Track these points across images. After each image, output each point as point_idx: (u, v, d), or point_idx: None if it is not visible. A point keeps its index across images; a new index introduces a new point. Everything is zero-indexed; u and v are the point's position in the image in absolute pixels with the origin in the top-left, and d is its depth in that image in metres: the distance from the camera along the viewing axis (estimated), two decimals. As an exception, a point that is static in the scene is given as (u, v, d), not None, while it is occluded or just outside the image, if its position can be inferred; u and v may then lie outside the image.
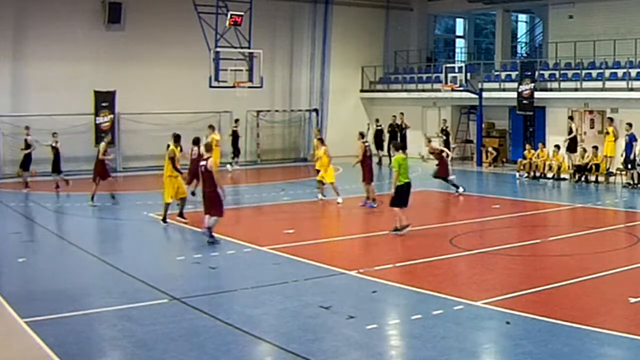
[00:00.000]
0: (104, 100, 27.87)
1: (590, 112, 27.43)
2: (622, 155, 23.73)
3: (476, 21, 40.79)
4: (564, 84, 27.36)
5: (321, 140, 22.09)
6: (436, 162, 22.51)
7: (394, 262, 13.18)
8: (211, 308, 10.22)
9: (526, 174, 26.01)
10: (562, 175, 25.02)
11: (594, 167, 24.21)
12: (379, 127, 32.22)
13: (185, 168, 17.94)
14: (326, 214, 19.91)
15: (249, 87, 26.86)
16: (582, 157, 24.58)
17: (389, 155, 28.69)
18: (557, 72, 27.89)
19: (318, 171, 20.99)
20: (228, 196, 15.17)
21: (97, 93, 27.65)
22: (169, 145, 20.02)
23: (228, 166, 28.39)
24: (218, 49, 26.11)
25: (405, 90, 33.55)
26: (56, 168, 23.03)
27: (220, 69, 26.27)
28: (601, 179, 24.12)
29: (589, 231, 16.20)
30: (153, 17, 29.05)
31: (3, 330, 9.56)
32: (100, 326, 9.70)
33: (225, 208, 15.02)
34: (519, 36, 40.09)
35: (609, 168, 24.32)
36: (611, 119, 25.17)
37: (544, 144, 26.48)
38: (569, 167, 25.36)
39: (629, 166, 23.32)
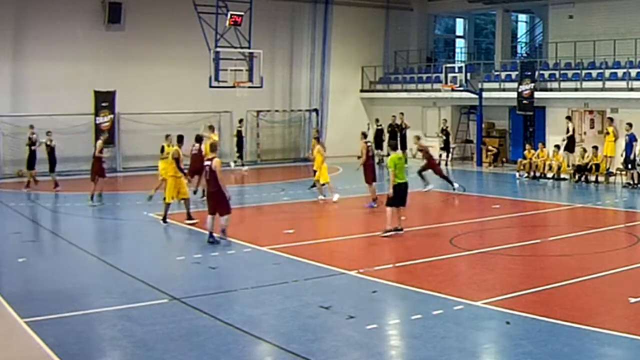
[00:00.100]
0: (104, 100, 27.88)
1: (590, 112, 27.44)
2: (622, 155, 23.73)
3: (476, 21, 40.80)
4: (564, 84, 27.36)
5: (317, 139, 22.11)
6: (424, 160, 22.29)
7: (394, 262, 13.19)
8: (211, 308, 10.22)
9: (526, 174, 26.01)
10: (562, 175, 25.02)
11: (594, 167, 24.21)
12: (379, 127, 32.22)
13: (185, 167, 17.89)
14: (326, 214, 19.91)
15: (249, 87, 26.87)
16: (582, 157, 24.58)
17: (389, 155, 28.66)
18: (557, 72, 27.89)
19: (315, 172, 21.05)
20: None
21: (97, 93, 27.66)
22: (163, 147, 20.12)
23: (242, 167, 28.37)
24: (218, 49, 26.12)
25: (405, 90, 33.56)
26: (52, 167, 23.05)
27: (220, 69, 26.27)
28: (601, 179, 24.12)
29: (589, 231, 16.20)
30: (153, 17, 29.06)
31: (3, 330, 9.56)
32: (100, 326, 9.70)
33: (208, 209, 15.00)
34: (519, 36, 40.09)
35: (609, 168, 24.32)
36: (611, 119, 25.18)
37: (544, 144, 26.49)
38: (568, 166, 25.36)
39: (629, 166, 23.32)
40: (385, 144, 31.65)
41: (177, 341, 8.92)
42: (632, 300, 10.28)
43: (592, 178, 24.25)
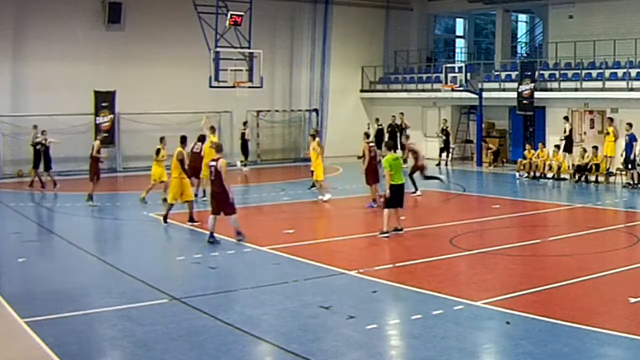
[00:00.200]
0: (104, 100, 27.87)
1: (590, 112, 27.44)
2: (622, 155, 23.73)
3: (476, 21, 40.80)
4: (564, 84, 27.36)
5: (313, 136, 22.11)
6: (413, 160, 22.20)
7: (394, 262, 13.18)
8: (211, 308, 10.22)
9: (526, 174, 26.00)
10: (562, 175, 25.02)
11: (594, 167, 24.21)
12: (380, 127, 32.22)
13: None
14: (326, 214, 19.91)
15: (249, 87, 26.86)
16: (582, 157, 24.58)
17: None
18: (557, 72, 27.89)
19: (313, 172, 21.12)
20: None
21: (97, 93, 27.65)
22: (158, 150, 20.12)
23: (243, 167, 28.37)
24: (218, 49, 26.11)
25: (405, 90, 33.55)
26: (47, 165, 23.06)
27: (220, 69, 26.26)
28: (601, 179, 24.12)
29: (589, 231, 16.20)
30: (153, 17, 29.06)
31: (3, 330, 9.56)
32: (100, 326, 9.70)
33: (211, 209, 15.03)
34: (519, 36, 40.09)
35: (609, 168, 24.31)
36: (611, 119, 25.18)
37: (544, 144, 26.49)
38: (568, 167, 25.36)
39: (629, 166, 23.32)
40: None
41: (177, 341, 8.92)
42: (632, 300, 10.28)
43: (592, 178, 24.24)
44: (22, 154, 25.32)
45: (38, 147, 23.33)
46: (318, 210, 20.01)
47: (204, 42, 26.04)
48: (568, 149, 25.90)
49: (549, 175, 25.36)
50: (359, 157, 31.78)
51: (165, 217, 16.96)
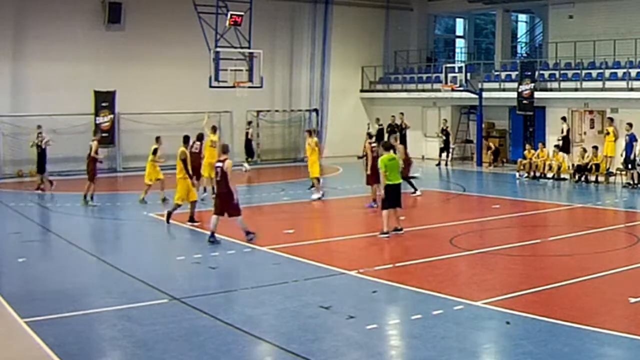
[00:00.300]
0: (104, 100, 27.87)
1: (590, 112, 27.44)
2: (622, 155, 23.73)
3: (476, 21, 40.80)
4: (564, 84, 27.36)
5: (309, 133, 22.11)
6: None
7: (394, 262, 13.18)
8: (211, 308, 10.22)
9: (526, 174, 26.00)
10: (562, 175, 25.02)
11: (594, 167, 24.21)
12: (381, 127, 32.23)
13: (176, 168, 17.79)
14: (326, 214, 19.91)
15: (249, 87, 26.84)
16: (582, 157, 24.58)
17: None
18: (557, 72, 27.89)
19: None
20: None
21: (97, 93, 27.65)
22: (155, 150, 20.13)
23: (245, 165, 28.40)
24: (218, 49, 26.10)
25: (405, 90, 33.55)
26: (41, 168, 22.99)
27: (220, 69, 26.25)
28: (601, 179, 24.12)
29: (589, 231, 16.20)
30: (153, 17, 29.06)
31: (3, 330, 9.56)
32: (100, 326, 9.70)
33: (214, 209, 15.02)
34: (519, 36, 40.09)
35: (609, 168, 24.32)
36: (611, 119, 25.19)
37: (544, 144, 26.50)
38: (568, 167, 25.37)
39: (629, 166, 23.32)
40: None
41: (177, 341, 8.92)
42: (632, 300, 10.28)
43: (592, 178, 24.24)
44: (22, 154, 25.31)
45: (33, 147, 23.23)
46: (318, 210, 20.02)
47: (204, 42, 26.03)
48: (566, 149, 25.96)
49: (549, 175, 25.36)
50: (359, 157, 31.88)
51: (168, 217, 16.92)
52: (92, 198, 19.95)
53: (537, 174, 25.71)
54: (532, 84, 27.69)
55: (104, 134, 27.30)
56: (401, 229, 15.41)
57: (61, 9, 27.35)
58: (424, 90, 32.59)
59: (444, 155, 30.74)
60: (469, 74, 29.92)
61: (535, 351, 8.37)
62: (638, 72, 25.08)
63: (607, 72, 25.98)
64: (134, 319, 9.82)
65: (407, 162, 21.27)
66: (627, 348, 8.51)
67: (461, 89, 29.52)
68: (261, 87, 27.66)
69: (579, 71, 26.94)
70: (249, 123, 30.55)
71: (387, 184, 15.24)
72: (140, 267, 12.92)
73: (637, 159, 23.03)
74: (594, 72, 26.64)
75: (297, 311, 10.23)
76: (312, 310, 10.18)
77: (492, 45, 37.15)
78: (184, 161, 16.90)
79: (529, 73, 27.97)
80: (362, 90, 35.39)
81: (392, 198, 15.26)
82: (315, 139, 22.08)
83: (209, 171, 20.87)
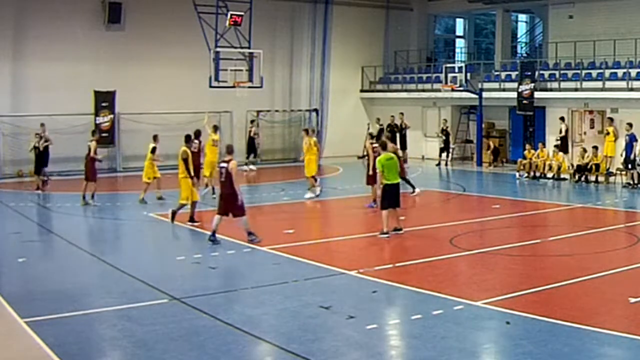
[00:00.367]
0: (104, 100, 27.86)
1: (590, 112, 27.44)
2: (622, 155, 23.73)
3: (476, 21, 40.79)
4: (564, 84, 27.36)
5: (306, 132, 22.19)
6: None
7: (394, 262, 13.18)
8: (211, 308, 10.22)
9: (526, 174, 26.00)
10: (562, 175, 25.02)
11: (594, 167, 24.21)
12: (381, 127, 32.22)
13: (176, 167, 17.78)
14: (326, 214, 19.91)
15: (249, 87, 26.84)
16: (582, 157, 24.58)
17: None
18: (557, 72, 27.89)
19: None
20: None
21: (97, 93, 27.64)
22: (154, 149, 20.13)
23: (251, 166, 28.42)
24: (218, 49, 26.10)
25: (405, 90, 33.55)
26: (38, 168, 22.97)
27: (220, 69, 26.25)
28: (601, 179, 24.12)
29: (589, 231, 16.20)
30: (153, 17, 29.06)
31: (3, 330, 9.56)
32: (100, 326, 9.70)
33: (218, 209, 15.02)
34: (519, 36, 40.09)
35: (609, 168, 24.32)
36: (611, 119, 25.19)
37: (544, 144, 26.50)
38: (568, 167, 25.38)
39: (629, 166, 23.33)
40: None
41: (177, 341, 8.92)
42: (632, 300, 10.28)
43: (592, 178, 24.24)
44: (22, 154, 25.28)
45: (47, 142, 23.21)
46: (318, 210, 20.02)
47: (204, 42, 26.03)
48: (564, 149, 25.98)
49: (549, 175, 25.35)
50: (359, 157, 31.91)
51: (173, 216, 16.84)
52: (92, 197, 19.95)
53: (537, 174, 25.71)
54: (532, 84, 27.69)
55: (104, 134, 27.31)
56: (401, 229, 15.42)
57: (61, 9, 27.34)
58: (424, 90, 32.59)
59: (444, 155, 30.74)
60: (469, 74, 29.92)
61: (535, 351, 8.37)
62: (638, 72, 25.08)
63: (607, 72, 25.98)
64: (134, 319, 9.82)
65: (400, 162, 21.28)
66: (627, 348, 8.51)
67: (461, 89, 29.52)
68: (261, 87, 27.66)
69: (579, 71, 26.94)
70: (252, 122, 30.60)
71: (385, 183, 15.24)
72: (140, 267, 12.92)
73: (637, 159, 23.03)
74: (594, 72, 26.64)
75: (297, 311, 10.23)
76: (312, 310, 10.18)
77: (492, 45, 37.15)
78: (186, 160, 16.84)
79: (529, 73, 27.97)
80: (362, 90, 35.38)
81: (390, 198, 15.25)
82: (314, 138, 22.10)
83: (210, 170, 20.97)
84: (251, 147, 30.20)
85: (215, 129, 22.58)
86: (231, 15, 25.92)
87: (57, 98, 26.57)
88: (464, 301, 10.35)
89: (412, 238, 15.30)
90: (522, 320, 9.55)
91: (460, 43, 41.17)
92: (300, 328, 9.50)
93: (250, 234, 14.71)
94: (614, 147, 24.39)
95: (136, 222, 18.04)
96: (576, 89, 26.74)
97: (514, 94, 28.31)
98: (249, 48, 26.86)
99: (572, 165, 25.19)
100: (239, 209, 14.63)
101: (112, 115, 28.11)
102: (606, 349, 8.54)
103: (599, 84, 26.06)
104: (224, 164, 14.59)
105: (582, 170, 24.43)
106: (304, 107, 33.85)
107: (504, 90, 29.72)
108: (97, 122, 27.68)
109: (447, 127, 30.97)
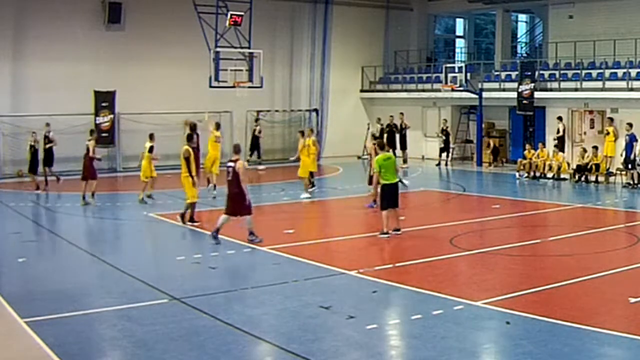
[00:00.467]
0: (104, 100, 27.86)
1: (590, 112, 27.44)
2: (622, 155, 23.73)
3: (476, 21, 40.80)
4: (564, 84, 27.36)
5: (301, 133, 22.26)
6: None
7: (394, 262, 13.18)
8: (211, 308, 10.22)
9: (526, 174, 26.00)
10: (562, 175, 25.03)
11: (594, 167, 24.21)
12: (382, 127, 32.23)
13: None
14: (326, 214, 19.91)
15: (249, 87, 26.84)
16: (582, 157, 24.58)
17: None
18: (557, 72, 27.89)
19: (312, 172, 21.32)
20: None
21: (97, 93, 27.64)
22: (152, 148, 20.12)
23: (259, 166, 28.43)
24: (218, 49, 26.10)
25: (405, 90, 33.55)
26: (33, 168, 22.95)
27: (220, 69, 26.25)
28: (601, 179, 24.12)
29: (589, 231, 16.20)
30: (153, 17, 29.06)
31: (3, 330, 9.56)
32: (100, 326, 9.70)
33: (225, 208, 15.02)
34: (519, 36, 40.09)
35: (609, 168, 24.32)
36: (611, 119, 25.19)
37: (544, 144, 26.49)
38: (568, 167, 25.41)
39: (629, 166, 23.32)
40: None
41: (177, 341, 8.92)
42: (632, 300, 10.28)
43: (592, 178, 24.24)
44: (22, 154, 25.22)
45: (49, 145, 23.19)
46: (318, 210, 20.02)
47: (204, 42, 26.03)
48: (561, 148, 26.00)
49: (549, 175, 25.35)
50: (359, 157, 31.92)
51: (182, 218, 16.61)
52: (92, 195, 19.96)
53: (537, 174, 25.71)
54: (532, 84, 27.69)
55: (104, 134, 27.32)
56: (399, 230, 15.38)
57: (61, 9, 27.34)
58: (424, 90, 32.59)
59: (444, 155, 30.73)
60: (469, 74, 29.92)
61: (535, 351, 8.37)
62: (638, 72, 25.08)
63: (607, 72, 25.98)
64: (134, 319, 9.82)
65: None
66: (627, 348, 8.51)
67: (461, 89, 29.52)
68: (261, 87, 27.66)
69: (579, 71, 26.94)
70: (257, 120, 30.61)
71: (384, 183, 15.24)
72: (140, 267, 12.92)
73: (637, 159, 23.02)
74: (594, 72, 26.64)
75: (297, 311, 10.23)
76: (312, 310, 10.18)
77: (492, 45, 37.15)
78: (188, 160, 16.75)
79: (529, 73, 27.97)
80: (362, 90, 35.38)
81: (389, 198, 15.25)
82: (313, 137, 22.12)
83: (209, 165, 21.12)
84: (255, 146, 30.20)
85: (218, 126, 22.67)
86: (231, 15, 25.92)
87: (57, 98, 26.57)
88: (464, 301, 10.35)
89: (412, 238, 15.30)
90: (522, 320, 9.55)
91: (460, 43, 41.18)
92: (300, 328, 9.50)
93: (251, 233, 14.71)
94: (614, 147, 24.38)
95: (136, 222, 18.04)
96: (576, 89, 26.74)
97: (514, 94, 28.31)
98: (249, 48, 26.86)
99: (569, 165, 25.19)
100: (246, 208, 14.63)
101: (112, 115, 28.10)
102: (606, 349, 8.54)
103: (599, 84, 26.06)
104: (231, 164, 14.57)
105: (582, 170, 24.42)
106: (304, 107, 33.85)
107: (504, 90, 29.72)
108: (97, 122, 27.67)
109: (447, 127, 30.96)
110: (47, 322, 9.60)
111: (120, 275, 12.31)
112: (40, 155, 23.21)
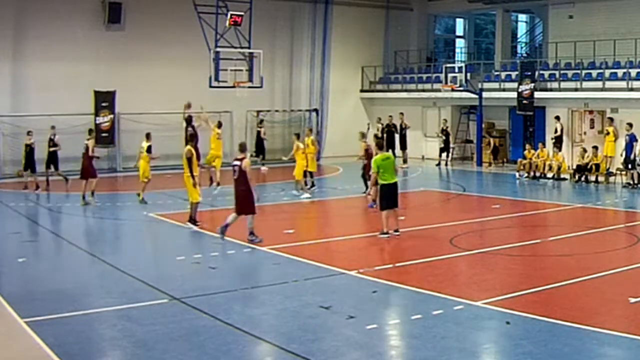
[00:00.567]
0: (104, 100, 27.86)
1: (590, 112, 27.44)
2: (622, 155, 23.73)
3: (476, 21, 40.80)
4: (564, 84, 27.36)
5: (297, 136, 22.34)
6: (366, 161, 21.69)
7: (394, 262, 13.18)
8: (211, 308, 10.22)
9: (526, 174, 26.00)
10: (562, 175, 25.03)
11: (594, 167, 24.21)
12: (382, 127, 32.22)
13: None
14: (326, 214, 19.91)
15: (249, 87, 26.84)
16: (582, 157, 24.59)
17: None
18: (557, 72, 27.89)
19: (312, 173, 21.36)
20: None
21: (97, 93, 27.64)
22: (150, 147, 20.13)
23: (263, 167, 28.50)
24: (218, 49, 26.10)
25: (405, 90, 33.55)
26: (31, 167, 22.90)
27: (220, 69, 26.24)
28: (601, 179, 24.12)
29: (589, 231, 16.19)
30: (153, 17, 29.06)
31: (3, 330, 9.56)
32: (100, 326, 9.70)
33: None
34: (519, 36, 40.09)
35: (609, 168, 24.32)
36: (611, 119, 25.19)
37: (544, 144, 26.49)
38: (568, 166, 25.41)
39: (629, 166, 23.32)
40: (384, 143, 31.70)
41: (177, 341, 8.92)
42: (632, 300, 10.28)
43: (592, 178, 24.24)
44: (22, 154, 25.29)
45: (53, 148, 23.13)
46: (318, 210, 20.02)
47: (204, 42, 26.03)
48: (559, 148, 26.01)
49: (549, 175, 25.36)
50: (359, 158, 31.87)
51: (193, 219, 16.48)
52: (92, 194, 19.96)
53: (537, 174, 25.71)
54: (532, 84, 27.69)
55: (104, 134, 27.32)
56: (397, 230, 15.33)
57: (61, 9, 27.34)
58: (424, 90, 32.59)
59: (444, 155, 30.73)
60: (469, 74, 29.92)
61: (535, 351, 8.37)
62: (638, 72, 25.09)
63: (607, 72, 25.98)
64: (134, 319, 9.82)
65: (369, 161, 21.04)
66: (627, 348, 8.51)
67: (461, 89, 29.53)
68: (261, 87, 27.66)
69: (579, 71, 26.94)
70: (261, 122, 30.62)
71: (383, 183, 15.23)
72: (140, 267, 12.92)
73: (637, 159, 23.02)
74: (594, 72, 26.64)
75: (297, 311, 10.23)
76: (312, 310, 10.18)
77: (492, 45, 37.15)
78: (190, 160, 16.67)
79: (529, 73, 27.97)
80: (362, 90, 35.39)
81: (388, 198, 15.24)
82: (312, 137, 22.14)
83: (209, 160, 21.25)
84: (260, 149, 30.17)
85: (220, 125, 22.81)
86: (231, 15, 25.92)
87: (57, 98, 26.56)
88: (464, 301, 10.35)
89: (412, 238, 15.29)
90: (522, 320, 9.55)
91: (460, 43, 41.18)
92: (300, 328, 9.50)
93: (251, 233, 14.70)
94: (614, 147, 24.38)
95: (136, 222, 18.04)
96: (576, 89, 26.75)
97: (514, 94, 28.31)
98: (249, 48, 26.85)
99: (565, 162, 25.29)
100: (251, 207, 14.62)
101: (112, 115, 28.10)
102: (606, 349, 8.54)
103: (599, 84, 26.06)
104: (237, 162, 14.55)
105: (582, 170, 24.43)
106: (304, 107, 33.85)
107: (504, 90, 29.72)
108: (97, 122, 27.67)
109: (447, 127, 30.96)
110: (47, 322, 9.60)
111: (120, 275, 12.32)
112: (38, 155, 23.15)
